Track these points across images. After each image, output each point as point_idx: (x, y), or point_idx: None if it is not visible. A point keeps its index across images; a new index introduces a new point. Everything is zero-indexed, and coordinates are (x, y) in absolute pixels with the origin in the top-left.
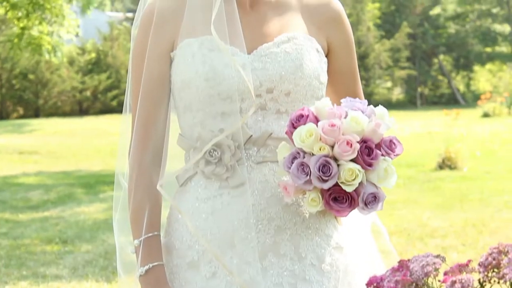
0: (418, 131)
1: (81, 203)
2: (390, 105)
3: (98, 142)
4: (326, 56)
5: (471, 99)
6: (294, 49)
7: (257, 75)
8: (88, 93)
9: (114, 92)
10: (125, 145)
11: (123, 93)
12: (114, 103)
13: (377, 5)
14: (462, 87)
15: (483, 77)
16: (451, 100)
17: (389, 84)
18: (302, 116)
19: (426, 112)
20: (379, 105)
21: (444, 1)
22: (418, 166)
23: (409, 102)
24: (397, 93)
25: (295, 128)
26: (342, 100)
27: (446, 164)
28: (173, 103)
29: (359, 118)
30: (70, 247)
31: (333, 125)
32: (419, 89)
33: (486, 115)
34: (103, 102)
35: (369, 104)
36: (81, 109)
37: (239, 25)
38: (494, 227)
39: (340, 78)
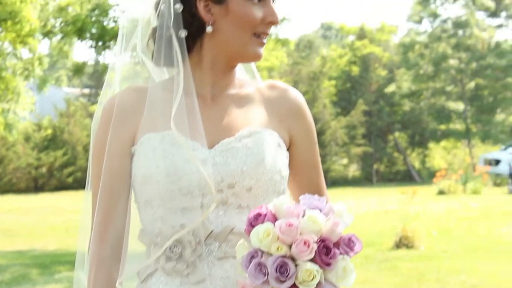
0: (374, 208)
1: (36, 284)
2: (346, 181)
3: (53, 220)
4: (288, 148)
5: (427, 176)
6: (256, 144)
7: (218, 170)
8: (43, 170)
9: (70, 168)
10: (86, 223)
11: (79, 170)
12: (70, 179)
13: (333, 82)
14: (417, 164)
15: (438, 154)
16: (406, 177)
17: (345, 161)
18: (260, 214)
19: (382, 189)
20: (336, 182)
21: (399, 78)
22: (375, 245)
23: (365, 179)
24: (353, 170)
25: (253, 227)
26: (300, 197)
27: (403, 243)
28: (134, 197)
29: (316, 217)
30: None
31: (290, 225)
32: (375, 166)
33: (441, 192)
34: (59, 179)
35: (326, 183)
36: (36, 186)
37: (199, 119)
38: None
39: (302, 170)
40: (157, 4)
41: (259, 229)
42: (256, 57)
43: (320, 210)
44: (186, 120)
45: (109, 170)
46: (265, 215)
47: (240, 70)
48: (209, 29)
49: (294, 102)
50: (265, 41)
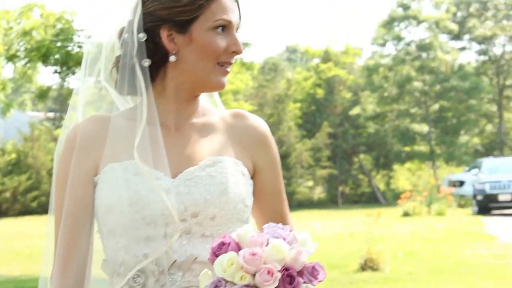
0: (339, 231)
1: None
2: (312, 204)
3: (17, 245)
4: (252, 177)
5: (391, 198)
6: (219, 172)
7: (182, 199)
8: (7, 194)
9: (34, 193)
10: (50, 248)
11: (44, 194)
12: (35, 204)
13: (298, 105)
14: (382, 186)
15: (403, 176)
16: (371, 199)
17: (310, 183)
18: (223, 244)
19: (347, 211)
20: (301, 205)
21: (364, 101)
22: (341, 267)
23: (331, 201)
24: (319, 192)
25: (216, 256)
26: (264, 226)
27: (368, 265)
28: (96, 227)
29: (280, 246)
30: None
31: (254, 254)
32: (340, 188)
33: (406, 214)
34: (23, 203)
35: (290, 205)
36: (0, 211)
37: (163, 148)
38: None
39: (266, 199)
40: (121, 33)
41: (223, 258)
42: (220, 86)
43: (284, 239)
44: (149, 150)
45: (72, 199)
46: (229, 244)
47: (203, 97)
48: (172, 58)
49: (257, 130)
50: (228, 69)
